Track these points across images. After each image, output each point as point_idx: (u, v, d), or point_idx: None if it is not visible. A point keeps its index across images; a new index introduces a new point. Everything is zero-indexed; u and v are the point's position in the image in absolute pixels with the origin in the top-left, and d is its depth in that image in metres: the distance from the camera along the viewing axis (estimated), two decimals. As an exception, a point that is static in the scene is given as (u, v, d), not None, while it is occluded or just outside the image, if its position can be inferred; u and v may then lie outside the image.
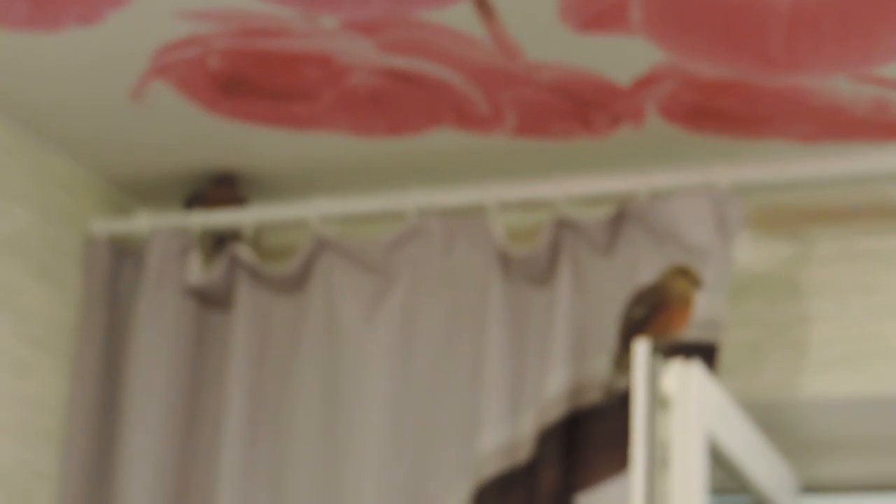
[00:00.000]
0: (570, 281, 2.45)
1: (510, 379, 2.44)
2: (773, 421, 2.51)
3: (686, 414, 2.13)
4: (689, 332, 2.34)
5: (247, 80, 2.39)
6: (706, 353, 2.35)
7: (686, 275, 2.23)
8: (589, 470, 2.37)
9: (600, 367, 2.38)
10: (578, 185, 2.48)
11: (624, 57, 2.29)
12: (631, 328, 2.23)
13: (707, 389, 2.19)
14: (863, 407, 2.48)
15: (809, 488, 2.60)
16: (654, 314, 2.22)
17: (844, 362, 2.45)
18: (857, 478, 2.61)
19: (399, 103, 2.44)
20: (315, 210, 2.57)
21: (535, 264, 2.47)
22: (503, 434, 2.41)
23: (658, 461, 2.11)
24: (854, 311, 2.47)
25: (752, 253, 2.53)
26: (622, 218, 2.46)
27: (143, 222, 2.65)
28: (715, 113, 2.43)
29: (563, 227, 2.47)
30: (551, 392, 2.39)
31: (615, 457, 2.33)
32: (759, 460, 2.41)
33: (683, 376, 2.14)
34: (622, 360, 2.23)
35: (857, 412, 2.50)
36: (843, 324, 2.47)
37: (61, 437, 2.57)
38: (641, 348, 2.13)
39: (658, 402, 2.13)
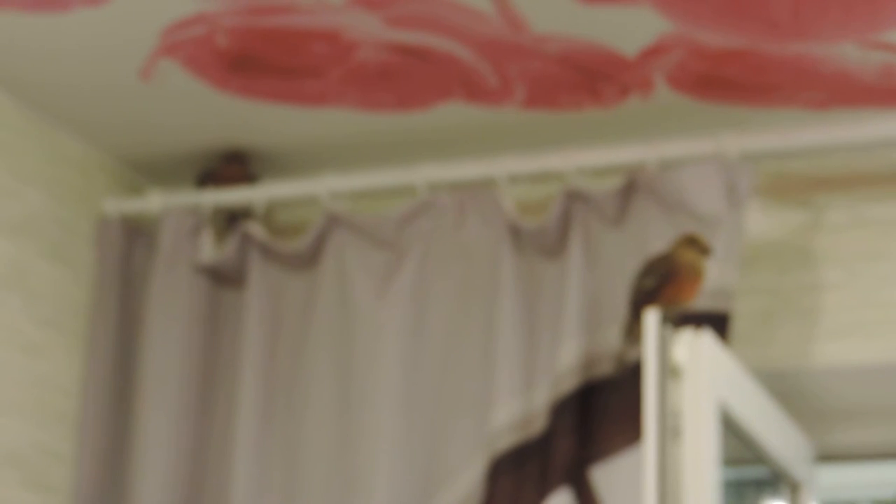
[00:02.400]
0: (581, 252, 2.46)
1: (523, 352, 2.45)
2: (786, 389, 2.52)
3: (697, 383, 2.14)
4: (701, 301, 2.35)
5: (255, 57, 2.40)
6: (718, 323, 2.36)
7: (695, 244, 2.24)
8: (603, 441, 2.38)
9: (612, 338, 2.39)
10: (588, 156, 2.49)
11: (630, 27, 2.29)
12: (641, 299, 2.24)
13: (718, 358, 2.20)
14: (876, 374, 2.48)
15: (825, 457, 2.62)
16: (665, 284, 2.23)
17: (856, 330, 2.46)
18: (873, 446, 2.63)
19: (407, 78, 2.45)
20: (326, 186, 2.58)
21: (545, 236, 2.48)
22: (517, 407, 2.42)
23: (670, 431, 2.12)
24: (864, 279, 2.47)
25: (762, 222, 2.53)
26: (632, 188, 2.47)
27: (155, 201, 2.66)
28: (723, 82, 2.43)
29: (574, 198, 2.48)
30: (564, 364, 2.40)
31: (629, 428, 2.34)
32: (773, 429, 2.42)
33: (694, 345, 2.15)
34: (633, 330, 2.24)
35: (871, 379, 2.50)
36: (853, 291, 2.48)
37: (75, 417, 2.60)
38: (651, 318, 2.13)
39: (669, 371, 2.14)
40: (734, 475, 2.58)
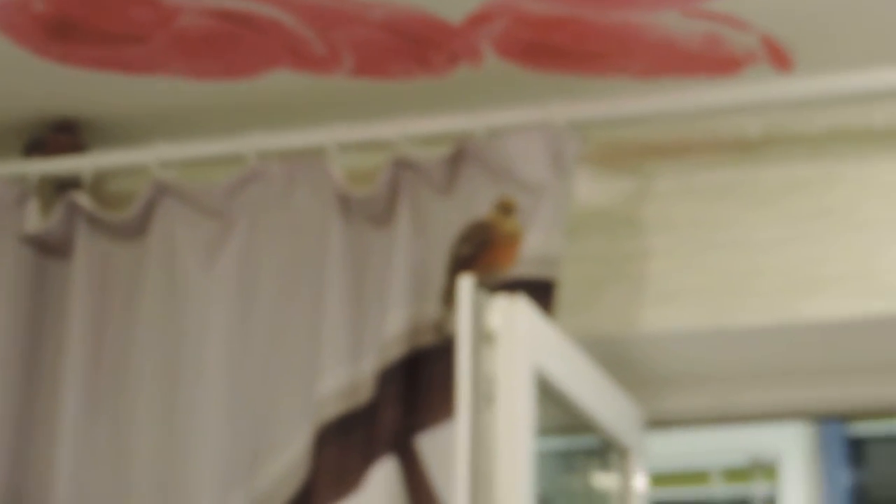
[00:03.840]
0: (409, 221, 2.46)
1: (351, 321, 2.44)
2: (615, 356, 2.54)
3: (511, 348, 2.14)
4: (526, 268, 2.36)
5: (74, 22, 2.37)
6: (543, 290, 2.37)
7: (505, 207, 2.24)
8: (428, 410, 2.38)
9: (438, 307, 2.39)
10: (417, 124, 2.49)
11: (452, -7, 2.30)
12: (458, 266, 2.24)
13: (534, 324, 2.20)
14: (703, 340, 2.51)
15: (655, 423, 2.64)
16: (481, 251, 2.23)
17: (683, 296, 2.48)
18: (700, 411, 2.66)
19: (233, 45, 2.43)
20: (154, 155, 2.56)
21: (374, 205, 2.48)
22: (344, 376, 2.41)
23: (483, 397, 2.12)
24: (691, 245, 2.50)
25: (591, 189, 2.55)
26: (460, 157, 2.47)
27: (-22, 171, 2.63)
28: (550, 50, 2.43)
29: (402, 166, 2.47)
30: (390, 333, 2.39)
31: (452, 397, 2.32)
32: (598, 396, 2.43)
33: (508, 311, 2.16)
34: (451, 298, 2.24)
35: (699, 345, 2.52)
36: (680, 258, 2.49)
37: None
38: (465, 284, 2.13)
39: (483, 337, 2.14)
40: (563, 445, 2.59)
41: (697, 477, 3.89)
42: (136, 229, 2.57)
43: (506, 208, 2.24)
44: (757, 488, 3.91)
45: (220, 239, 2.53)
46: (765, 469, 3.90)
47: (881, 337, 2.47)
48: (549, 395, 2.28)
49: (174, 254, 2.54)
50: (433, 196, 2.48)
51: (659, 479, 3.80)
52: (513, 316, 2.16)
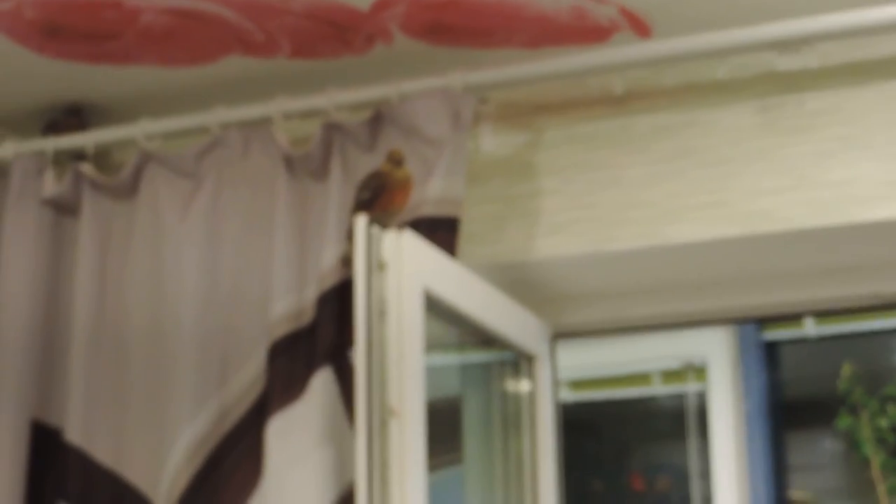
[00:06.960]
0: (341, 174, 2.75)
1: (296, 257, 2.75)
2: (518, 279, 2.82)
3: (400, 273, 2.43)
4: (432, 208, 2.64)
5: (60, 24, 2.68)
6: (448, 226, 2.65)
7: (399, 160, 2.53)
8: (358, 328, 2.67)
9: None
10: (346, 95, 2.78)
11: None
12: (360, 209, 2.53)
13: (422, 252, 2.48)
14: (589, 262, 2.77)
15: (559, 334, 2.91)
16: (378, 195, 2.52)
17: (570, 227, 2.75)
18: (601, 322, 2.93)
19: (190, 37, 2.74)
20: (140, 130, 2.89)
21: (311, 162, 2.78)
22: (291, 302, 2.71)
23: (377, 314, 2.41)
24: (576, 185, 2.76)
25: (493, 142, 2.83)
26: (378, 119, 2.75)
27: (8, 149, 2.98)
28: (448, 28, 2.70)
29: (332, 129, 2.77)
30: (326, 265, 2.69)
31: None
32: (498, 312, 2.71)
33: (396, 242, 2.44)
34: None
35: (585, 267, 2.79)
36: (567, 196, 2.76)
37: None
38: (360, 222, 2.43)
39: (377, 265, 2.43)
40: (483, 359, 2.88)
41: (641, 379, 4.18)
42: (129, 190, 2.91)
43: (395, 160, 2.53)
44: (690, 387, 4.20)
45: (192, 194, 2.86)
46: (696, 370, 4.17)
47: (733, 256, 2.72)
48: (444, 313, 2.56)
49: (157, 207, 2.87)
50: (359, 153, 2.77)
51: (608, 381, 4.10)
52: (400, 246, 2.44)
